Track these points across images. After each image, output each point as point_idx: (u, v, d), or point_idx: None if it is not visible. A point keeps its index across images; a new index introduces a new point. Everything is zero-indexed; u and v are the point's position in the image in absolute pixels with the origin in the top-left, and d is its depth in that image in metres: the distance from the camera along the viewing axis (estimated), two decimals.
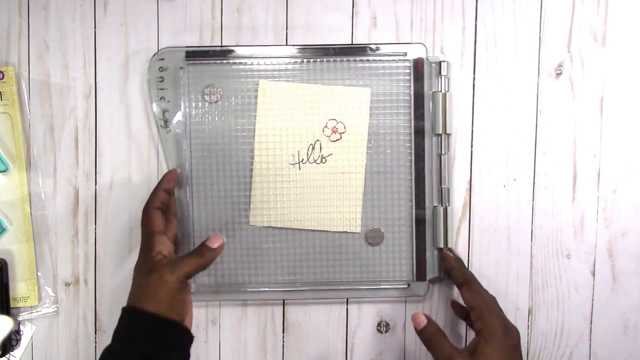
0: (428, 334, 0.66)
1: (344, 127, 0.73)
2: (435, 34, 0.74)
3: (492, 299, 0.67)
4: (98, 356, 0.74)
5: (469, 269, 0.74)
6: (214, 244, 0.65)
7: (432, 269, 0.74)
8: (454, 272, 0.71)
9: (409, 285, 0.74)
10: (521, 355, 0.65)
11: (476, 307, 0.66)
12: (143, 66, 0.73)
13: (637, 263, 0.75)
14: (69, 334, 0.74)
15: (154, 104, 0.72)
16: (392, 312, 0.75)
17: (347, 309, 0.75)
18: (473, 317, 0.66)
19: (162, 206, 0.68)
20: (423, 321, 0.66)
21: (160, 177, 0.72)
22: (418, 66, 0.72)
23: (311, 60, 0.72)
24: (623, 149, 0.74)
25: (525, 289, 0.75)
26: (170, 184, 0.70)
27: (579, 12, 0.73)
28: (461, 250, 0.74)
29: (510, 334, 0.64)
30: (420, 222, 0.73)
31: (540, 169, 0.74)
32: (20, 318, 0.74)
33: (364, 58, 0.72)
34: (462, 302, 0.70)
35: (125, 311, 0.62)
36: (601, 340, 0.75)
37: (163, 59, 0.72)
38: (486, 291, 0.68)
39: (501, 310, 0.66)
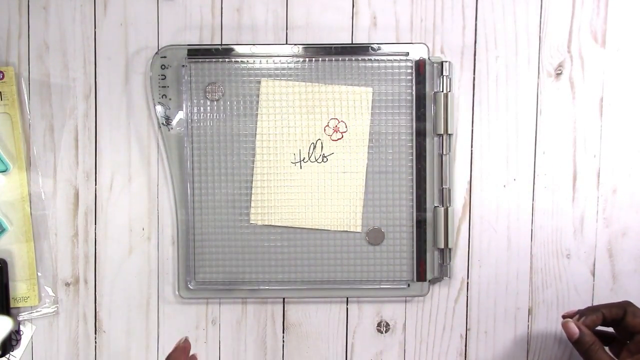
0: (585, 346, 0.62)
1: (346, 127, 0.73)
2: (435, 34, 0.74)
3: None
4: (98, 356, 0.74)
5: (469, 269, 0.74)
6: None
7: (432, 269, 0.74)
8: (607, 314, 0.65)
9: (409, 285, 0.74)
10: None
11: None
12: (143, 66, 0.73)
13: (637, 263, 0.75)
14: (69, 334, 0.74)
15: (156, 102, 0.72)
16: (392, 312, 0.75)
17: (347, 308, 0.75)
18: None
19: None
20: (575, 332, 0.63)
21: (160, 183, 0.72)
22: (420, 66, 0.72)
23: (313, 59, 0.72)
24: (623, 149, 0.74)
25: (525, 289, 0.75)
26: None
27: (579, 12, 0.73)
28: (461, 250, 0.74)
29: None
30: (421, 222, 0.73)
31: (540, 169, 0.74)
32: (20, 318, 0.74)
33: (366, 58, 0.72)
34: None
35: None
36: None
37: (165, 57, 0.72)
38: None
39: None
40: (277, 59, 0.72)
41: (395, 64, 0.72)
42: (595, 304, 0.75)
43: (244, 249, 0.74)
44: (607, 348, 0.67)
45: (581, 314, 0.66)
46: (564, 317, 0.66)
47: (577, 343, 0.63)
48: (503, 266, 0.75)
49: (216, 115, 0.73)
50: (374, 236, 0.74)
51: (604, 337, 0.68)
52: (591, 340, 0.62)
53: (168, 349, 0.74)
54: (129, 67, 0.73)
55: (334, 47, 0.72)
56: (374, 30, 0.74)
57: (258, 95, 0.73)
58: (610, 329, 0.68)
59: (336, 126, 0.73)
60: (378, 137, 0.73)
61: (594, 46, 0.74)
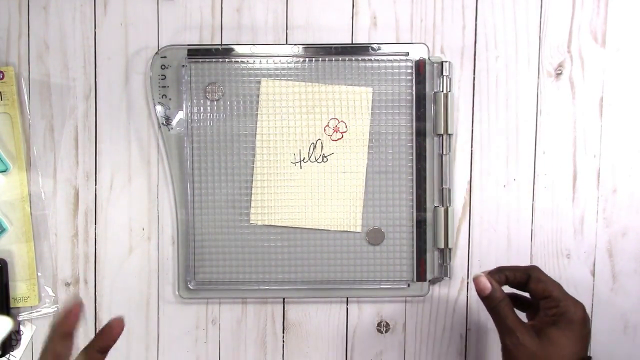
0: (494, 302, 0.62)
1: (346, 127, 0.73)
2: (435, 34, 0.74)
3: (560, 285, 0.64)
4: None
5: (469, 269, 0.74)
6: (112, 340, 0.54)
7: (432, 269, 0.74)
8: (511, 277, 0.65)
9: (409, 285, 0.74)
10: (587, 345, 0.62)
11: (552, 294, 0.62)
12: (143, 66, 0.73)
13: (637, 263, 0.75)
14: None
15: (156, 102, 0.72)
16: (392, 312, 0.75)
17: (347, 308, 0.75)
18: (547, 304, 0.62)
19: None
20: (487, 287, 0.62)
21: (160, 183, 0.73)
22: (420, 66, 0.72)
23: (313, 59, 0.72)
24: (623, 149, 0.74)
25: None
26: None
27: (579, 12, 0.73)
28: (461, 250, 0.74)
29: (587, 324, 0.62)
30: (421, 222, 0.73)
31: (540, 169, 0.74)
32: (20, 318, 0.74)
33: (366, 58, 0.72)
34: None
35: None
36: (601, 339, 0.75)
37: (165, 57, 0.72)
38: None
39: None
40: (277, 59, 0.72)
41: (395, 64, 0.72)
42: (595, 304, 0.75)
43: (244, 249, 0.74)
44: (525, 315, 0.67)
45: (490, 273, 0.65)
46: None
47: (487, 298, 0.62)
48: None
49: (216, 115, 0.73)
50: (374, 236, 0.74)
51: (521, 303, 0.67)
52: (501, 296, 0.61)
53: (168, 349, 0.74)
54: (129, 67, 0.73)
55: (334, 47, 0.72)
56: (374, 30, 0.74)
57: (258, 95, 0.73)
58: (527, 295, 0.66)
59: (336, 126, 0.73)
60: (378, 137, 0.73)
61: (594, 46, 0.74)
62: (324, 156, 0.73)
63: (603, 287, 0.75)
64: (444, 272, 0.73)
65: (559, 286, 0.63)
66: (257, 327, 0.75)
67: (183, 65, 0.72)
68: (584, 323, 0.61)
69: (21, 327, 0.74)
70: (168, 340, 0.75)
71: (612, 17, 0.73)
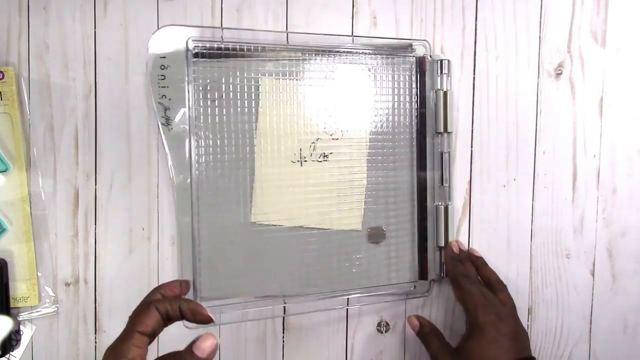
0: (423, 335, 0.70)
1: (346, 126, 0.73)
2: (435, 34, 0.74)
3: (483, 294, 0.67)
4: (98, 356, 0.74)
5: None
6: (204, 353, 0.55)
7: (433, 268, 0.74)
8: (447, 269, 0.72)
9: (410, 284, 0.74)
10: (523, 342, 0.65)
11: (463, 305, 0.68)
12: (143, 66, 0.73)
13: (637, 263, 0.75)
14: (69, 334, 0.74)
15: (156, 102, 0.72)
16: (392, 312, 0.75)
17: (347, 308, 0.75)
18: (465, 314, 0.67)
19: (165, 309, 0.57)
20: (416, 325, 0.71)
21: (160, 183, 0.73)
22: (421, 65, 0.72)
23: (313, 58, 0.72)
24: (623, 149, 0.74)
25: (525, 289, 0.75)
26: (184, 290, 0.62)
27: (579, 12, 0.73)
28: None
29: (503, 324, 0.64)
30: (422, 220, 0.73)
31: (540, 169, 0.74)
32: (20, 318, 0.74)
33: (367, 56, 0.72)
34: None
35: None
36: (601, 339, 0.75)
37: (165, 57, 0.72)
38: (477, 287, 0.68)
39: (497, 304, 0.66)
40: (277, 59, 0.72)
41: (397, 60, 0.72)
42: (595, 304, 0.75)
43: (244, 249, 0.74)
44: None
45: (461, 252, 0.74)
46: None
47: (418, 333, 0.71)
48: (503, 266, 0.75)
49: (216, 115, 0.73)
50: (375, 235, 0.74)
51: None
52: (428, 330, 0.70)
53: (168, 349, 0.74)
54: (129, 67, 0.73)
55: (334, 46, 0.72)
56: (374, 30, 0.74)
57: (258, 95, 0.73)
58: None
59: (336, 125, 0.73)
60: (378, 136, 0.73)
61: (594, 46, 0.74)
62: (324, 155, 0.73)
63: (603, 287, 0.75)
64: (445, 271, 0.73)
65: (473, 297, 0.66)
66: (257, 327, 0.75)
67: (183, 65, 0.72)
68: (495, 324, 0.64)
69: (21, 327, 0.74)
70: (168, 340, 0.75)
71: (612, 17, 0.73)
